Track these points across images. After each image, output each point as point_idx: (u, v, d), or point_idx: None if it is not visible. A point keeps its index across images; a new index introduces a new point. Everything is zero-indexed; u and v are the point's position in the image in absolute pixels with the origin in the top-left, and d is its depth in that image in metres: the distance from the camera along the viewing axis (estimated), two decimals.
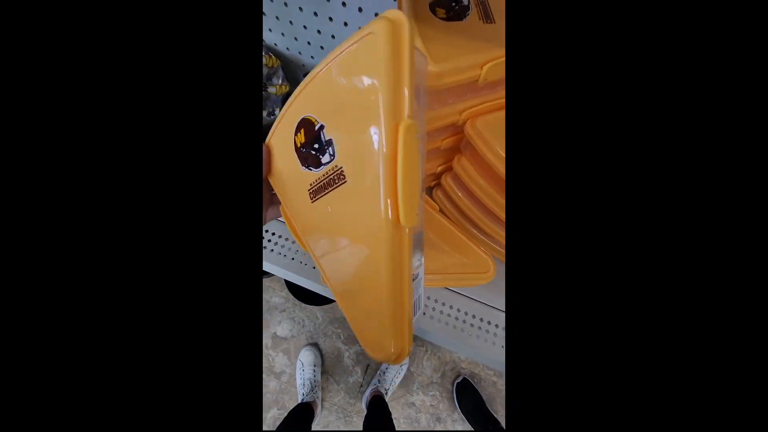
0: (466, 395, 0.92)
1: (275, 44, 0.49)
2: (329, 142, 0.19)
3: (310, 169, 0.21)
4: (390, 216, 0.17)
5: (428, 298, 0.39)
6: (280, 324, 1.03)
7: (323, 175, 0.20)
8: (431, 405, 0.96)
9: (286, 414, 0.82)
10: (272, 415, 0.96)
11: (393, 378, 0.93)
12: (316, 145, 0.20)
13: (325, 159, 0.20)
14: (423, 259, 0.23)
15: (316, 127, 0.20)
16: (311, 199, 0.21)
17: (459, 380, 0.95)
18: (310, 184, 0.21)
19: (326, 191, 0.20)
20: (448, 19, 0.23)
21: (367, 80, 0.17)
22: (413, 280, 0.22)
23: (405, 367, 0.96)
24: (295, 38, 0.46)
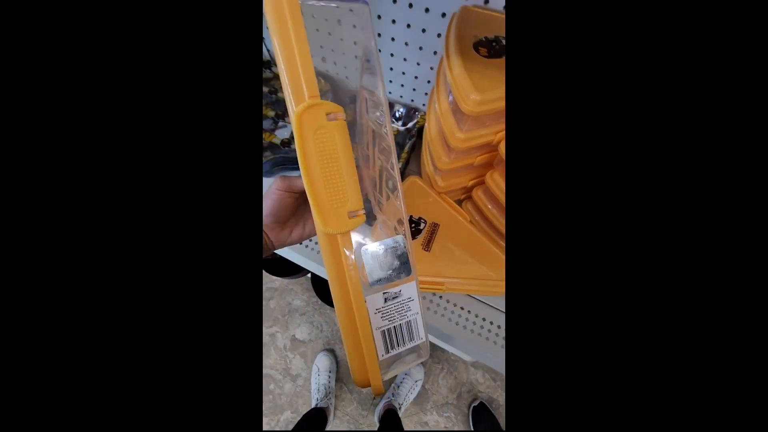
0: (483, 420, 0.88)
1: (327, 70, 0.55)
2: None
3: None
4: (315, 221, 0.14)
5: (445, 300, 0.40)
6: (299, 327, 1.06)
7: None
8: (445, 427, 0.93)
9: (299, 418, 0.83)
10: (285, 417, 0.97)
11: (407, 393, 0.92)
12: None
13: None
14: (413, 273, 0.19)
15: None
16: None
17: (476, 404, 0.91)
18: None
19: None
20: (489, 56, 0.27)
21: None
22: (390, 299, 0.17)
23: (420, 383, 0.94)
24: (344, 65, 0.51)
